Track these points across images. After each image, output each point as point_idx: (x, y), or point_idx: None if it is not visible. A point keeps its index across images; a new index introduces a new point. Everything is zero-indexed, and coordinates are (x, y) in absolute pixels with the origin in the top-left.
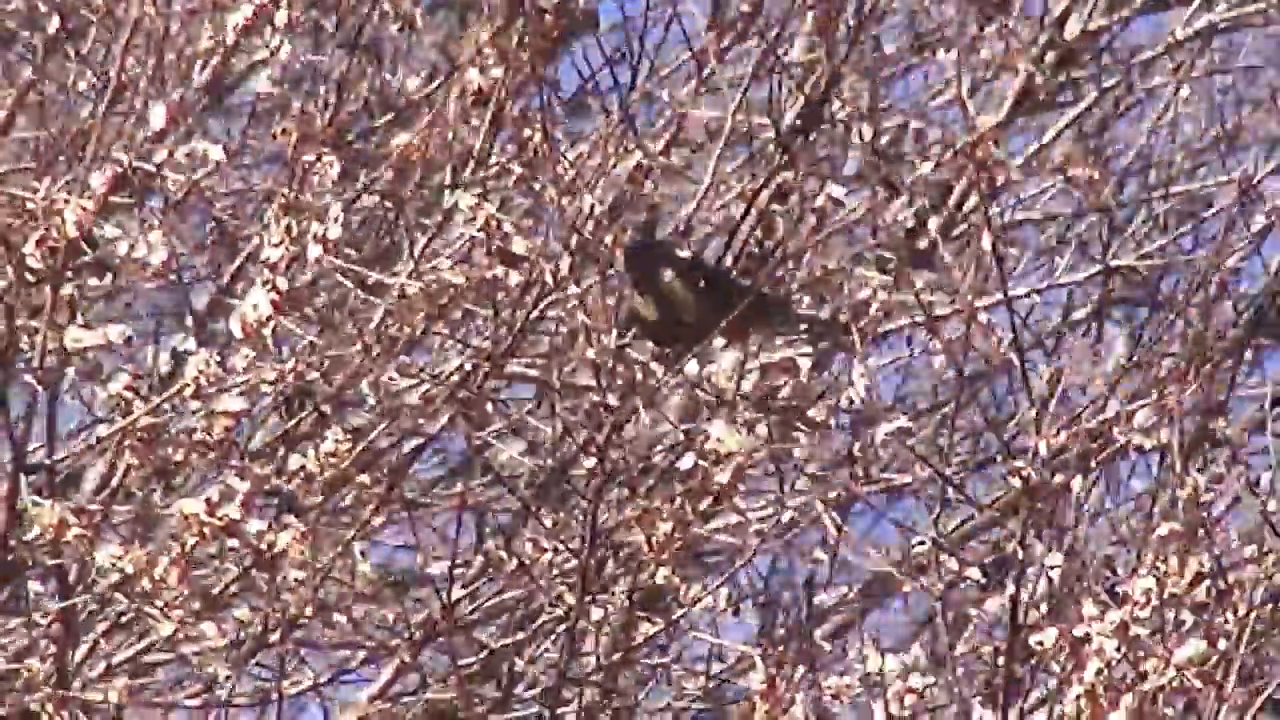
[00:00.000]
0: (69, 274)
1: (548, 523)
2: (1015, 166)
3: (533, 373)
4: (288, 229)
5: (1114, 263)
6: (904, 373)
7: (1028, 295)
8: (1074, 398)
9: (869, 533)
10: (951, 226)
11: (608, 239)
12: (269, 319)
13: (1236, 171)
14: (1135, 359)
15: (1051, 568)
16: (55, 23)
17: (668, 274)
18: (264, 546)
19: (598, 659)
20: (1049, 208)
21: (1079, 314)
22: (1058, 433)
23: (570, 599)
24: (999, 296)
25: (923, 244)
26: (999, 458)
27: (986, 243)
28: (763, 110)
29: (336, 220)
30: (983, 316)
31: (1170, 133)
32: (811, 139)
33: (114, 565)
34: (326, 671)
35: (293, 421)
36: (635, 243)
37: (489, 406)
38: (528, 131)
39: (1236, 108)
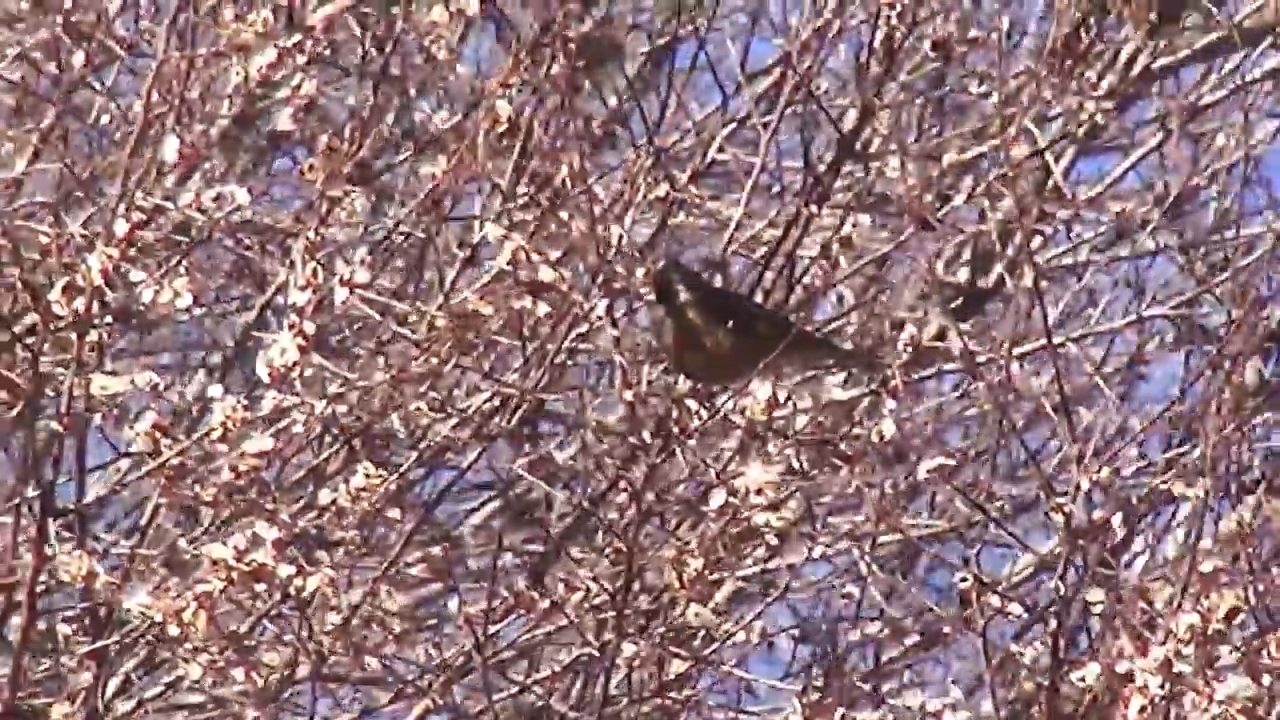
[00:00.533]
0: (95, 320)
1: (579, 559)
2: (1068, 202)
3: (564, 409)
4: (314, 272)
5: (1146, 313)
6: (944, 415)
7: (1063, 344)
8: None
9: (911, 573)
10: (1014, 270)
11: (638, 271)
12: (296, 364)
13: None
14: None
15: (1093, 604)
16: (80, 59)
17: (683, 297)
18: (293, 590)
19: (630, 696)
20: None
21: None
22: (1100, 469)
23: (603, 635)
24: (1038, 343)
25: (981, 286)
26: (1041, 495)
27: (1028, 281)
28: (794, 144)
29: (363, 263)
30: (1019, 364)
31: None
32: (841, 172)
33: (143, 614)
34: (356, 709)
35: (323, 457)
36: (661, 269)
37: (520, 441)
38: (556, 163)
39: None
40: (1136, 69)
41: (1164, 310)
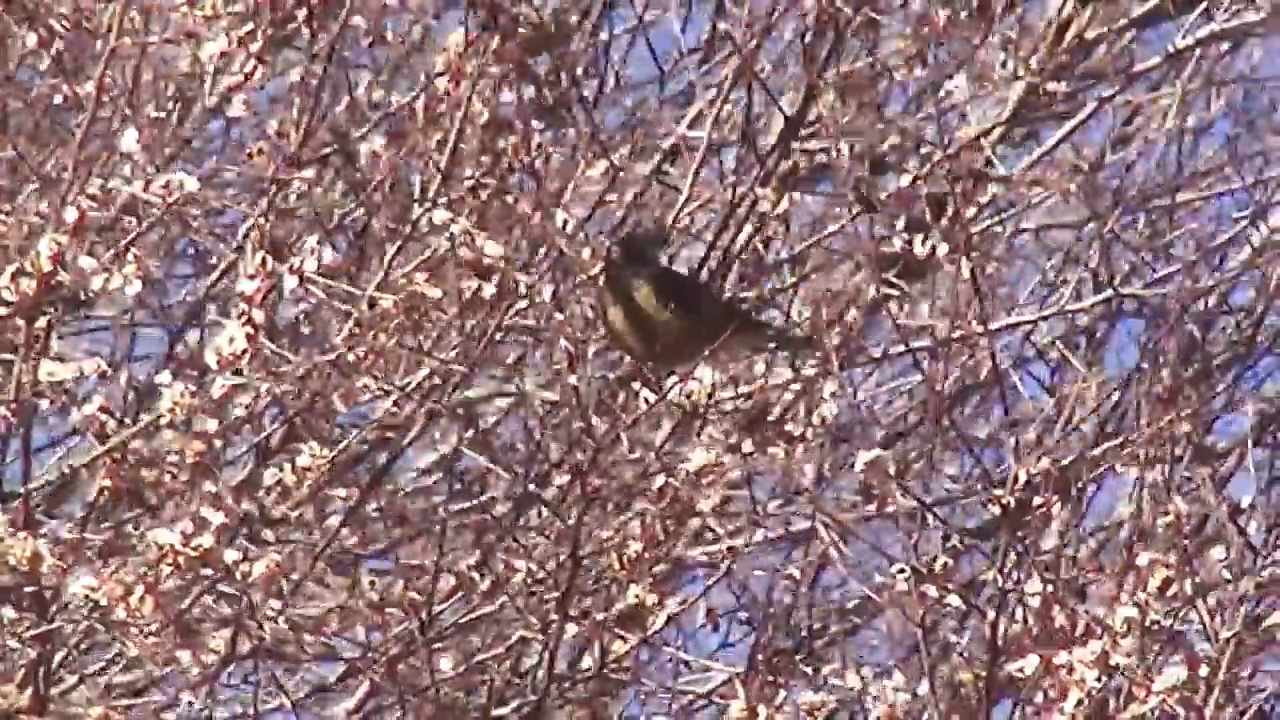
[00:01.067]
0: (44, 306)
1: (523, 541)
2: (1002, 175)
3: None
4: (263, 261)
5: (1124, 290)
6: (890, 392)
7: (1030, 322)
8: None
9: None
10: (950, 241)
11: (582, 252)
12: (244, 352)
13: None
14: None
15: (1031, 595)
16: (32, 39)
17: (639, 284)
18: (239, 575)
19: (573, 677)
20: (1047, 220)
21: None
22: (1038, 459)
23: (545, 615)
24: (986, 325)
25: (919, 256)
26: (979, 485)
27: (965, 269)
28: (739, 123)
29: (312, 252)
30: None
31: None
32: (787, 151)
33: (89, 597)
34: (303, 688)
35: (265, 434)
36: (619, 245)
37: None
38: (501, 143)
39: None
40: (1069, 39)
41: (1137, 290)
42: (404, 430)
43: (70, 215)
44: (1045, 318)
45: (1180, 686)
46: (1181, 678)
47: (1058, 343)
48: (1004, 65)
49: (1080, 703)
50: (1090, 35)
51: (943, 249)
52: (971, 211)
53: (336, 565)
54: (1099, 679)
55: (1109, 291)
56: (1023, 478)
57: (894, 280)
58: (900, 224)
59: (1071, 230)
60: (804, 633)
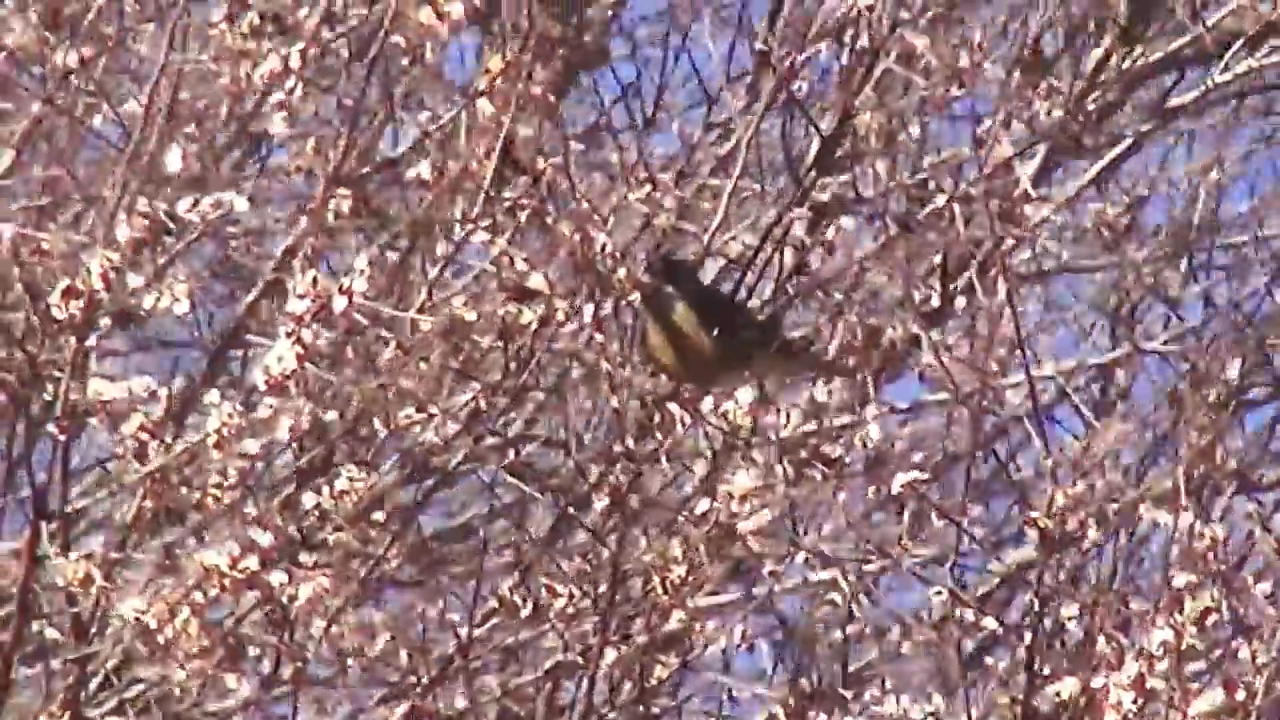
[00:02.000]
0: (93, 323)
1: (564, 565)
2: (1039, 207)
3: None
4: (313, 280)
5: (1147, 346)
6: (920, 425)
7: (1053, 378)
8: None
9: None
10: (984, 276)
11: (621, 274)
12: (294, 372)
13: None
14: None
15: (1069, 618)
16: (73, 57)
17: (678, 304)
18: (286, 599)
19: (612, 702)
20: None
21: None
22: (1074, 483)
23: (585, 640)
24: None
25: (952, 294)
26: (1015, 509)
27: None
28: (777, 144)
29: (362, 272)
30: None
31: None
32: (825, 174)
33: (138, 619)
34: (340, 713)
35: (304, 459)
36: (654, 265)
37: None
38: (540, 164)
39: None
40: (1106, 75)
41: (1155, 346)
42: (447, 455)
43: (123, 234)
44: (1066, 373)
45: (1218, 710)
46: (1218, 702)
47: (1075, 395)
48: (1042, 106)
49: None
50: (1129, 76)
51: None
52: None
53: (377, 590)
54: (1135, 702)
55: (1128, 346)
56: (1060, 501)
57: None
58: (936, 263)
59: (1097, 274)
60: (842, 659)
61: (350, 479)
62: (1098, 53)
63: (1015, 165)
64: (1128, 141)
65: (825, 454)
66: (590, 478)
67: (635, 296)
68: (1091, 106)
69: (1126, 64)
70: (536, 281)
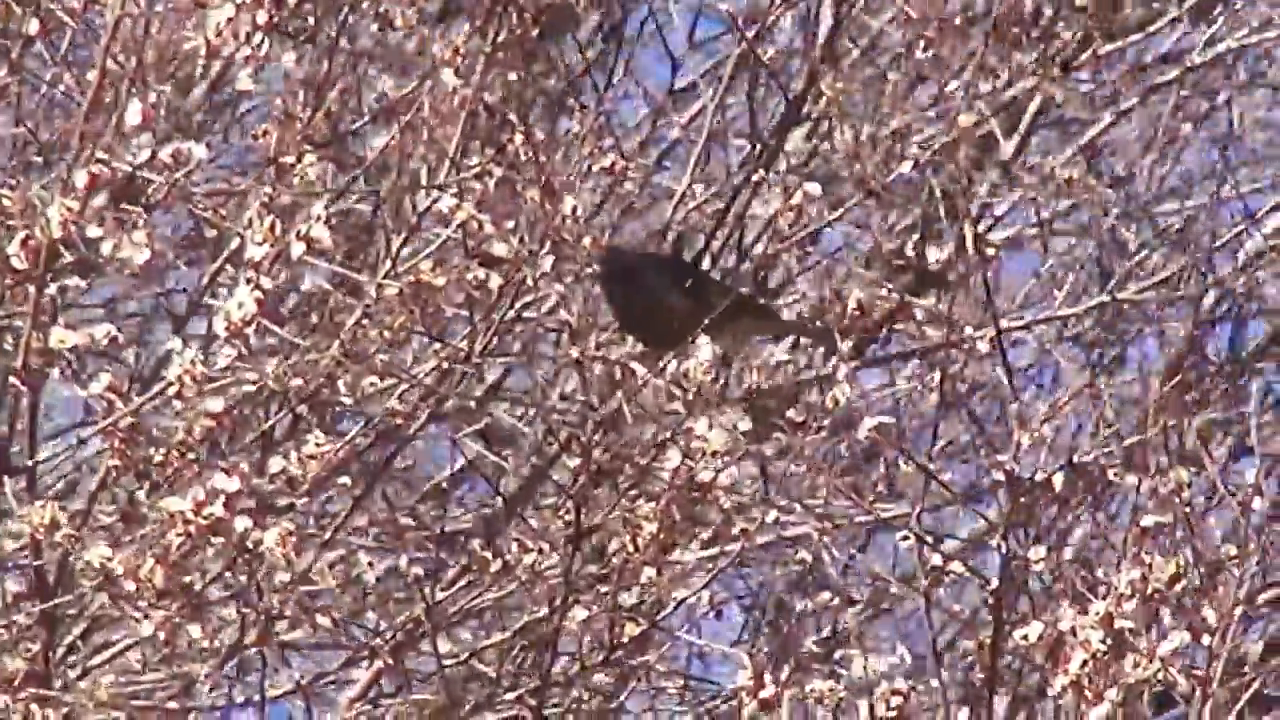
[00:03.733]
0: (52, 274)
1: (532, 523)
2: (1008, 177)
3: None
4: (271, 227)
5: (1120, 296)
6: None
7: (1024, 327)
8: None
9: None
10: (960, 248)
11: (587, 239)
12: (254, 318)
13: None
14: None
15: (1035, 562)
16: (34, 25)
17: (649, 270)
18: (250, 545)
19: (580, 661)
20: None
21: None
22: (1040, 425)
23: (553, 600)
24: (992, 330)
25: (932, 265)
26: (982, 452)
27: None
28: (742, 108)
29: (320, 218)
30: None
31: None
32: (788, 138)
33: (104, 565)
34: (308, 673)
35: (270, 423)
36: (614, 249)
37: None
38: (507, 133)
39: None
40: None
41: (1130, 295)
42: (411, 419)
43: (80, 180)
44: (1040, 321)
45: (1183, 652)
46: (1185, 640)
47: (1054, 351)
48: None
49: (1085, 664)
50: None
51: (950, 250)
52: (976, 207)
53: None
54: (1104, 640)
55: (1105, 296)
56: (1025, 443)
57: (905, 293)
58: (910, 228)
59: (1070, 235)
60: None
61: (317, 444)
62: (1077, 27)
63: (984, 130)
64: (1109, 119)
65: (790, 415)
66: (558, 437)
67: (600, 261)
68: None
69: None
70: (501, 247)
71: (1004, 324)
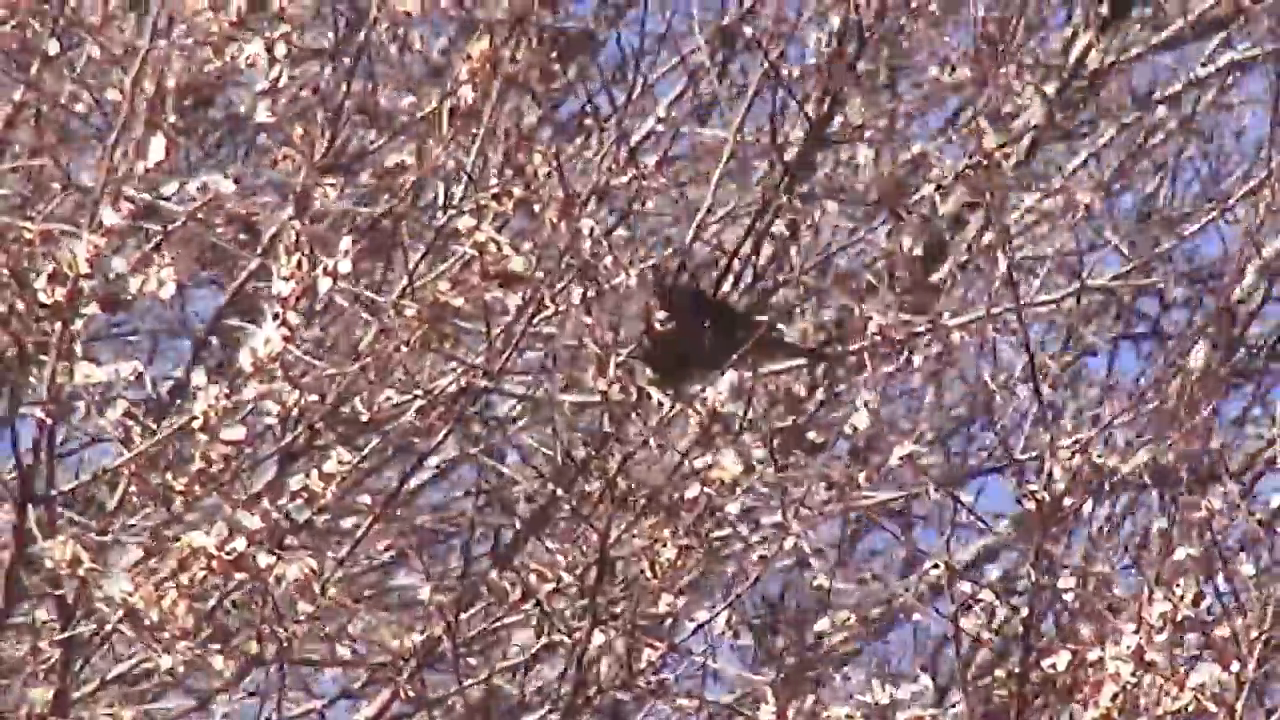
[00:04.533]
0: (79, 307)
1: (551, 547)
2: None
3: (529, 390)
4: (298, 263)
5: (1091, 282)
6: (910, 400)
7: (1037, 305)
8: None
9: (879, 555)
10: (969, 260)
11: (606, 259)
12: (279, 354)
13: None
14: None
15: (1064, 591)
16: (54, 46)
17: (667, 296)
18: (272, 580)
19: (599, 684)
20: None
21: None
22: (1072, 455)
23: (574, 624)
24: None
25: (935, 277)
26: (1011, 479)
27: (1002, 264)
28: (764, 130)
29: (346, 254)
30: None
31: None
32: (812, 159)
33: (125, 600)
34: (326, 695)
35: (287, 440)
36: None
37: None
38: (524, 154)
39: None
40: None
41: (1103, 282)
42: (429, 437)
43: (109, 218)
44: (1016, 309)
45: (1214, 683)
46: (1215, 674)
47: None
48: (1020, 92)
49: (1115, 696)
50: (1109, 61)
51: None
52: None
53: (362, 572)
54: (1134, 673)
55: (1076, 285)
56: (1057, 474)
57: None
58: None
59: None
60: (824, 641)
61: (339, 461)
62: (1081, 42)
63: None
64: (1110, 132)
65: (809, 439)
66: (577, 458)
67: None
68: (1075, 95)
69: (1110, 56)
70: (519, 265)
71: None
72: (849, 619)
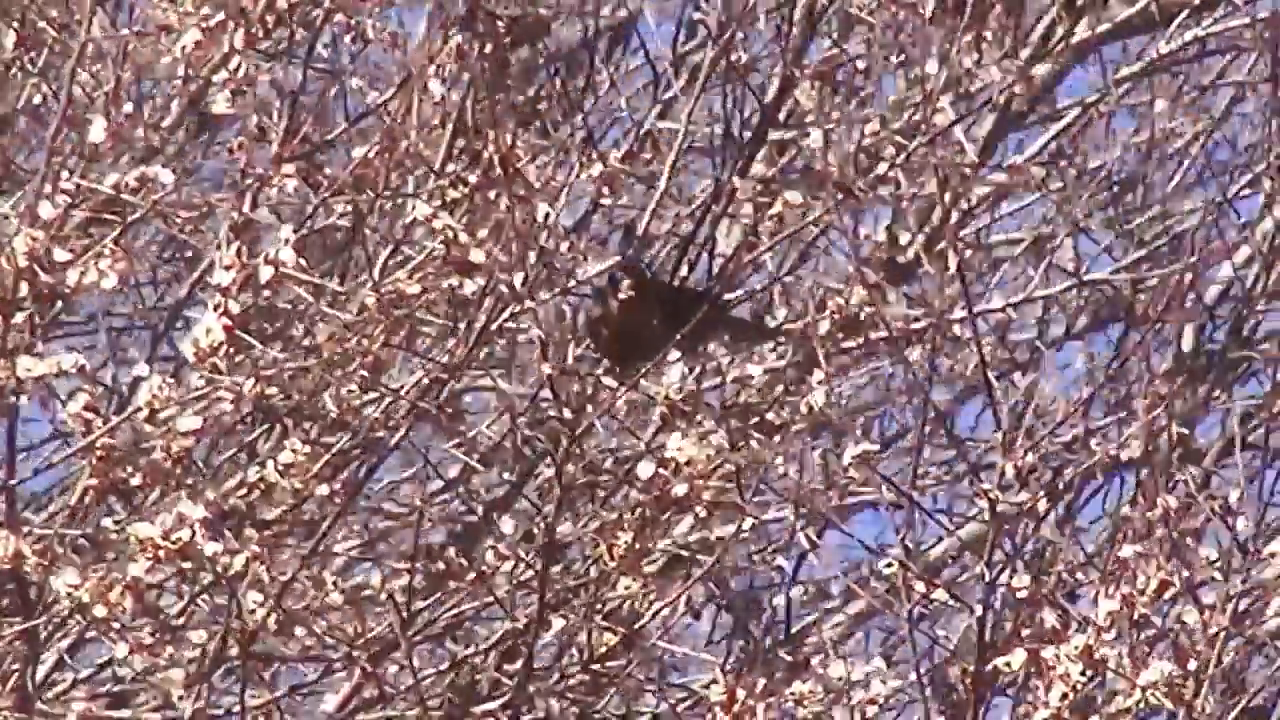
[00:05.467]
0: (21, 302)
1: (507, 530)
2: (989, 180)
3: (489, 383)
4: (238, 252)
5: (1087, 277)
6: (876, 384)
7: (1001, 310)
8: (1046, 415)
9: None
10: (935, 242)
11: (564, 249)
12: (221, 344)
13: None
14: (1109, 375)
15: (1018, 589)
16: (10, 40)
17: (625, 290)
18: (220, 569)
19: (559, 670)
20: (1026, 222)
21: (1055, 330)
22: (1025, 455)
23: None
24: (968, 312)
25: (902, 259)
26: (967, 480)
27: (953, 262)
28: (718, 117)
29: (287, 242)
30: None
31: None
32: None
33: (70, 594)
34: (286, 686)
35: (252, 436)
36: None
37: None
38: (484, 143)
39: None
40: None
41: (1103, 275)
42: (391, 430)
43: (46, 211)
44: (1015, 304)
45: (1167, 680)
46: (1166, 671)
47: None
48: (979, 63)
49: (1065, 696)
50: (1074, 40)
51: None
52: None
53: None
54: (1084, 673)
55: (1074, 280)
56: (1009, 472)
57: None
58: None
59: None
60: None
61: (294, 452)
62: (1045, 21)
63: (958, 132)
64: (1074, 113)
65: (768, 421)
66: (533, 447)
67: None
68: (1039, 75)
69: (1075, 36)
70: (479, 256)
71: (981, 307)
72: (805, 594)
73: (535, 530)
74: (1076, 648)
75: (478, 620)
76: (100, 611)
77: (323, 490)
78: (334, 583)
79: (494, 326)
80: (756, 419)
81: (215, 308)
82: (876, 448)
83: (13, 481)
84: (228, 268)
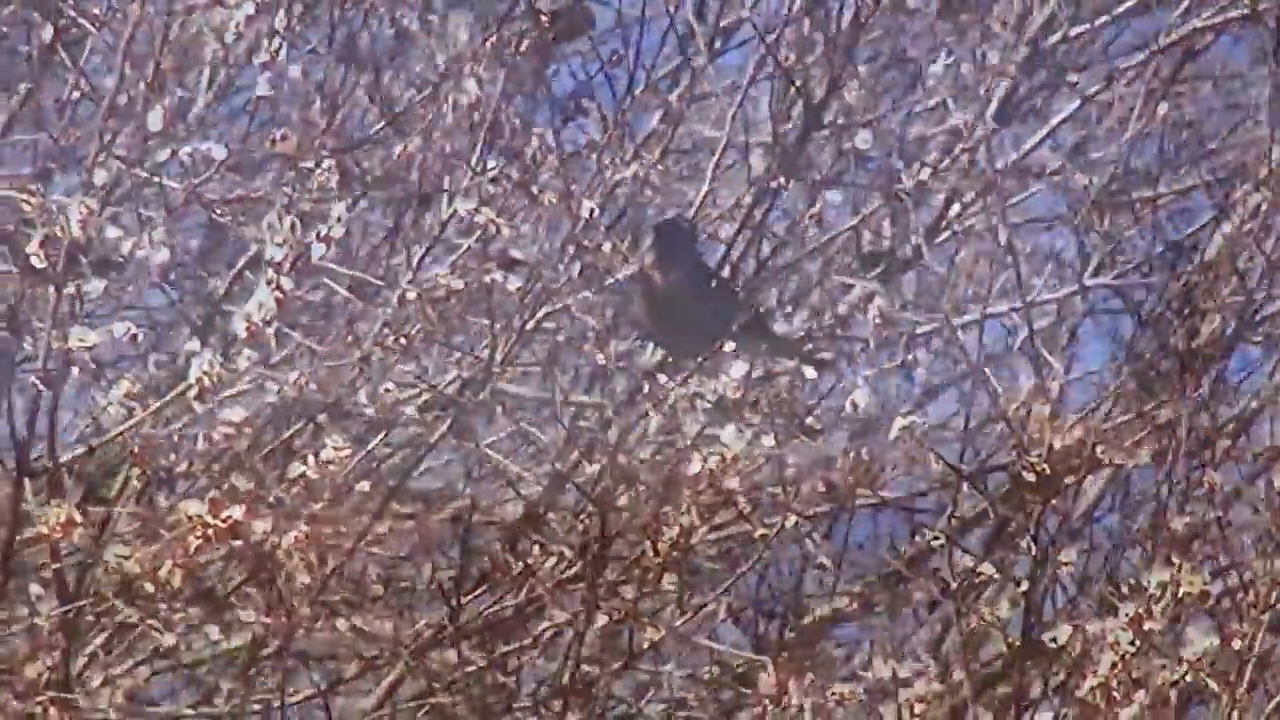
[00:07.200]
0: (72, 273)
1: (554, 526)
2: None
3: (532, 380)
4: (291, 227)
5: (1089, 282)
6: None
7: (1007, 313)
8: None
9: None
10: (936, 233)
11: (606, 246)
12: (273, 318)
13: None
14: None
15: (1064, 564)
16: (49, 32)
17: (674, 274)
18: (268, 548)
19: (600, 666)
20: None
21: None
22: (1071, 428)
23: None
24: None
25: (908, 251)
26: (1011, 452)
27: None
28: (760, 117)
29: (340, 220)
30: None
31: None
32: (809, 146)
33: (120, 565)
34: (327, 680)
35: (290, 431)
36: (657, 236)
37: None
38: (524, 138)
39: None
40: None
41: (1105, 281)
42: (433, 426)
43: (100, 178)
44: (1017, 309)
45: (1212, 656)
46: (1214, 645)
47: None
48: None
49: (1114, 665)
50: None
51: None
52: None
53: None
54: (1133, 642)
55: (1076, 285)
56: (1057, 444)
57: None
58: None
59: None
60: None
61: (335, 449)
62: (1045, 11)
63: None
64: (1076, 103)
65: (810, 421)
66: (580, 442)
67: (626, 268)
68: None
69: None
70: (520, 251)
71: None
72: (851, 602)
73: (580, 526)
74: (1127, 616)
75: (522, 615)
76: (148, 587)
77: (362, 486)
78: (376, 576)
79: (533, 322)
80: (800, 419)
81: (268, 282)
82: (921, 421)
83: (57, 462)
84: (280, 243)
